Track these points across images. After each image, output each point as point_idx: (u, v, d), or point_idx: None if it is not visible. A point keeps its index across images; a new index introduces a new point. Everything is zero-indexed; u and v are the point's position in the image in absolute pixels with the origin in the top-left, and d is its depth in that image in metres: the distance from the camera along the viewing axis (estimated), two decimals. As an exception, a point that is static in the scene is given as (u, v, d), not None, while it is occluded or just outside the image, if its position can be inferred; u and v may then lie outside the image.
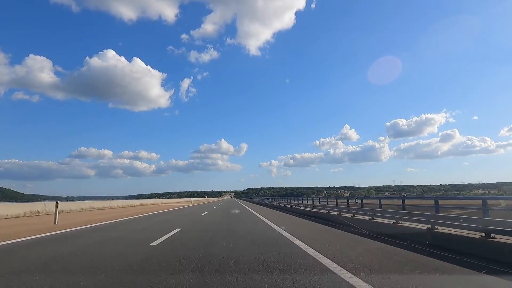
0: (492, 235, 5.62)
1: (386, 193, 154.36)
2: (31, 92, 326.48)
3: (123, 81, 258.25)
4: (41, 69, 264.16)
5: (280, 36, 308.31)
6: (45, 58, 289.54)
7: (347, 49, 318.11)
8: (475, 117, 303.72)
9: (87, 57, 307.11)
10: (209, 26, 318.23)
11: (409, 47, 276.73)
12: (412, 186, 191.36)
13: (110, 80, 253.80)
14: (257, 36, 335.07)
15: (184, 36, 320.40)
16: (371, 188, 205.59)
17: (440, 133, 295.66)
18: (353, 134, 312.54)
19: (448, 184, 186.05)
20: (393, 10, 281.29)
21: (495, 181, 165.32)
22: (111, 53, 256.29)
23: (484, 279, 4.37)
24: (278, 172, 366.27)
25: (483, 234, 5.78)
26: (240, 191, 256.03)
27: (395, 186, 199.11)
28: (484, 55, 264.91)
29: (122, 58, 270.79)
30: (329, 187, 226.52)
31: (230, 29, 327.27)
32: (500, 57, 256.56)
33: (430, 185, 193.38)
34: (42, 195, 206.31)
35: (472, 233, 6.08)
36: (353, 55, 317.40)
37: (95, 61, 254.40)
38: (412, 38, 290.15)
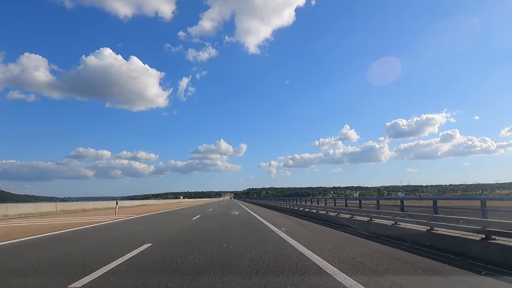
0: (493, 236, 5.53)
1: (399, 193, 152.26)
2: (27, 91, 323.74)
3: (120, 80, 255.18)
4: (37, 67, 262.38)
5: (280, 34, 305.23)
6: (40, 56, 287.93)
7: (347, 48, 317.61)
8: (476, 117, 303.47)
9: (83, 55, 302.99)
10: (207, 23, 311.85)
11: (410, 47, 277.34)
12: (421, 186, 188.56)
13: (107, 79, 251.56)
14: (256, 34, 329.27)
15: (181, 33, 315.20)
16: (379, 188, 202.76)
17: (440, 133, 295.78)
18: (353, 134, 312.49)
19: (461, 184, 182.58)
20: (393, 9, 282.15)
21: (507, 181, 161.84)
22: (107, 51, 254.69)
23: (484, 280, 4.29)
24: (278, 172, 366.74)
25: (484, 236, 5.68)
26: (240, 191, 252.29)
27: (403, 186, 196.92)
28: (486, 55, 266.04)
29: (119, 57, 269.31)
30: (334, 187, 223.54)
31: (229, 26, 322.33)
32: (501, 57, 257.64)
33: (440, 185, 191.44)
34: (38, 196, 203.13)
35: (472, 235, 5.99)
36: (354, 55, 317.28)
37: (91, 60, 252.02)
38: (412, 38, 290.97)
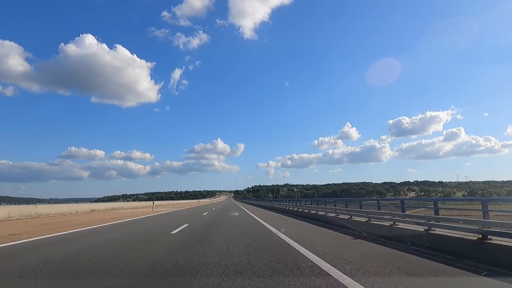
0: (489, 237, 5.67)
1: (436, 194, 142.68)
2: (4, 84, 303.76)
3: (104, 71, 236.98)
4: (8, 55, 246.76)
5: (279, 15, 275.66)
6: (15, 43, 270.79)
7: (349, 42, 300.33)
8: (486, 114, 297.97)
9: (62, 43, 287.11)
10: (195, 1, 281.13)
11: (417, 42, 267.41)
12: (442, 182, 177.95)
13: (90, 69, 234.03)
14: (252, 15, 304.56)
15: (165, 13, 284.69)
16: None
17: (445, 131, 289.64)
18: (354, 133, 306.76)
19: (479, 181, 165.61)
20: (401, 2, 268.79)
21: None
22: (89, 38, 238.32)
23: (484, 281, 4.36)
24: (276, 173, 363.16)
25: (480, 236, 5.83)
26: (244, 189, 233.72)
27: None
28: (487, 53, 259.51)
29: (104, 45, 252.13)
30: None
31: (221, 5, 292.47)
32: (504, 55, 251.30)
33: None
34: (13, 197, 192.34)
35: (469, 235, 6.12)
36: (356, 49, 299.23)
37: (71, 48, 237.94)
38: (421, 32, 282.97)
